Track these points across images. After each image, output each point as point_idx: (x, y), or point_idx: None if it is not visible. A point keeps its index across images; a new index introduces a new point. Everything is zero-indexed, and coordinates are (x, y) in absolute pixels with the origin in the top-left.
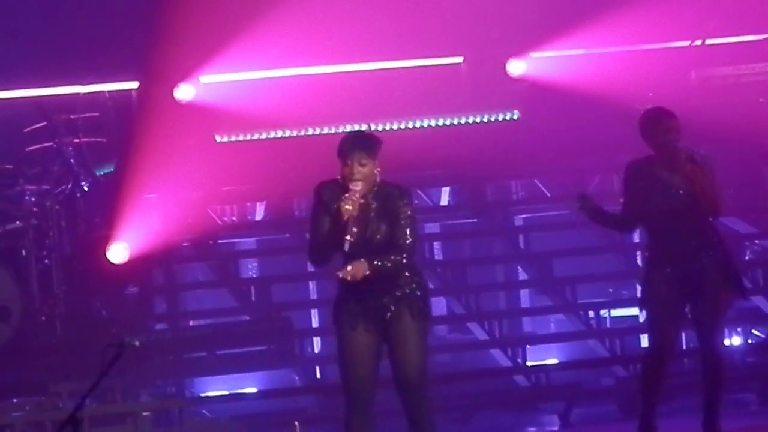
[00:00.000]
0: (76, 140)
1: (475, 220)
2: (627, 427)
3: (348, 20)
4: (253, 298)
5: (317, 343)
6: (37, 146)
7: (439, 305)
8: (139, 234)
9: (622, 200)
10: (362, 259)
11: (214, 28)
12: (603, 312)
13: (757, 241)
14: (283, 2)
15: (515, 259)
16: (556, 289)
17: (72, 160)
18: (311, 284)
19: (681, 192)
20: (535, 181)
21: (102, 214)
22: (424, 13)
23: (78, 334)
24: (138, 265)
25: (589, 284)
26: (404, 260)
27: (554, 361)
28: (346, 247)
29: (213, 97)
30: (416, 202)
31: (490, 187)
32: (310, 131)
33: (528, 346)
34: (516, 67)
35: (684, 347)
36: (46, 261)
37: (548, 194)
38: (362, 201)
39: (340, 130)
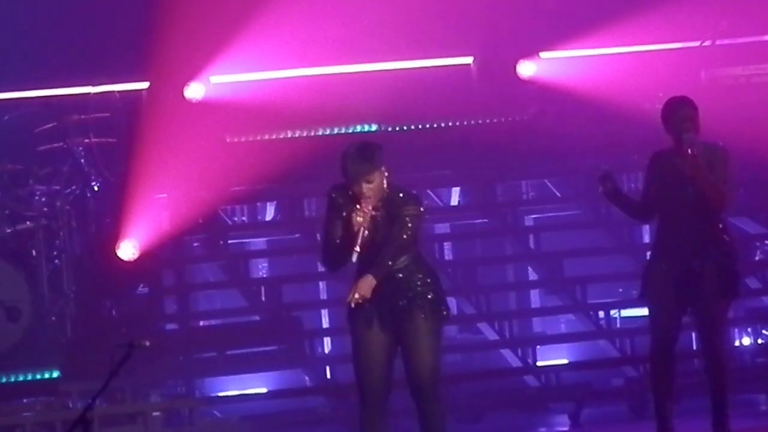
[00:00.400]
0: (87, 140)
1: (486, 220)
2: (637, 427)
3: (358, 21)
4: (263, 298)
5: (327, 343)
6: (48, 146)
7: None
8: (149, 234)
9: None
10: (367, 275)
11: (224, 28)
12: (613, 312)
13: (767, 242)
14: (294, 2)
15: (525, 260)
16: (567, 290)
17: (82, 161)
18: (321, 284)
19: (690, 183)
20: (546, 181)
21: (112, 214)
22: (434, 13)
23: (88, 334)
24: (148, 265)
25: (600, 284)
26: (404, 241)
27: (564, 361)
28: (354, 257)
29: (223, 97)
30: (426, 202)
31: (500, 187)
32: (321, 131)
33: (538, 347)
34: (526, 69)
35: (693, 347)
36: (57, 261)
37: (558, 194)
38: (374, 213)
39: (351, 131)
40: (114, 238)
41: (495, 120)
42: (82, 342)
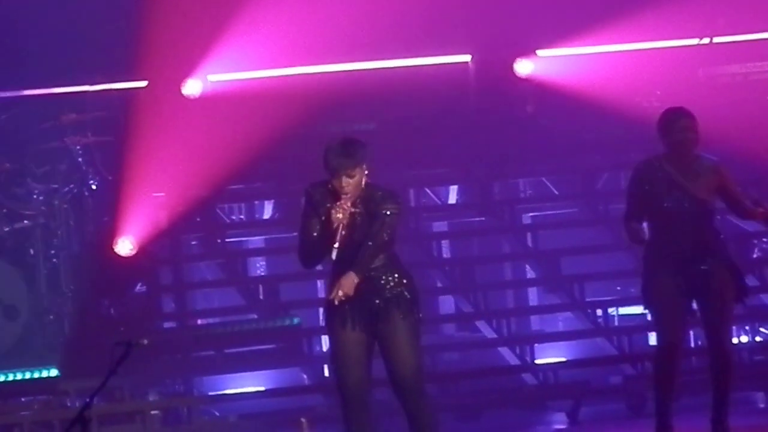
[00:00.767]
0: (84, 139)
1: (483, 218)
2: (635, 425)
3: (356, 18)
4: (261, 297)
5: (325, 341)
6: (46, 145)
7: (447, 303)
8: (147, 232)
9: (627, 198)
10: (349, 272)
11: (222, 25)
12: (611, 310)
13: (765, 239)
14: (290, 1)
15: (523, 258)
16: (564, 288)
17: (80, 159)
18: (319, 283)
19: (693, 195)
20: (543, 179)
21: (110, 213)
22: (431, 11)
23: (86, 332)
24: (146, 263)
25: (597, 282)
26: (384, 239)
27: (562, 359)
28: (334, 254)
29: (221, 94)
30: (424, 200)
31: (497, 185)
32: (318, 129)
33: (536, 345)
34: (524, 67)
35: (692, 345)
36: (55, 260)
37: (556, 192)
38: (353, 209)
39: (348, 129)
40: (112, 237)
41: (492, 118)
42: (80, 340)
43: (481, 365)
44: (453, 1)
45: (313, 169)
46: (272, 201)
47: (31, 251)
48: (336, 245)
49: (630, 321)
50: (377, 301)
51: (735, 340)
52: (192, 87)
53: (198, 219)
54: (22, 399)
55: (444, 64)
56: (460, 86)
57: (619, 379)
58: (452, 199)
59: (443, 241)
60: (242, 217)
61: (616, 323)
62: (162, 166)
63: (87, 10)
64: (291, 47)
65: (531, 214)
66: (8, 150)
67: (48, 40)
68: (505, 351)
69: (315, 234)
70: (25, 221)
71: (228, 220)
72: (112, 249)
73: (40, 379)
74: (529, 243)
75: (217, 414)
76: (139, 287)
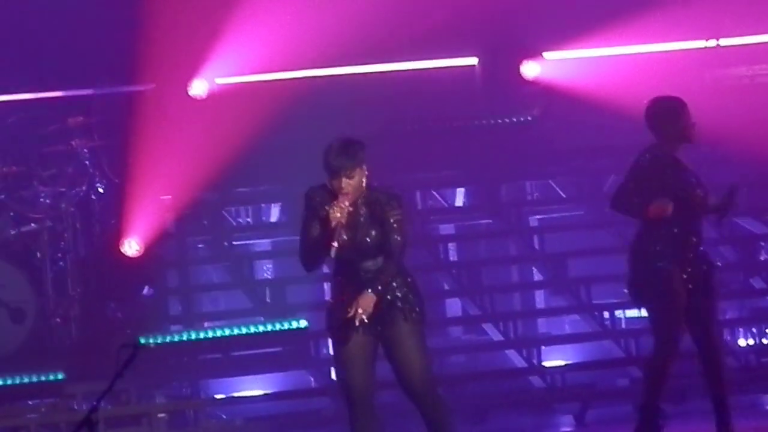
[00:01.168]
0: (92, 142)
1: (490, 221)
2: None
3: (362, 22)
4: (267, 300)
5: (332, 344)
6: (52, 148)
7: (454, 306)
8: (153, 235)
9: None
10: (367, 290)
11: (229, 28)
12: (618, 313)
13: None
14: (300, 3)
15: (530, 260)
16: (571, 290)
17: (87, 162)
18: (326, 286)
19: (698, 190)
20: (550, 182)
21: (117, 215)
22: (438, 14)
23: (93, 335)
24: (153, 266)
25: (604, 285)
26: (398, 261)
27: (569, 361)
28: (333, 253)
29: (227, 97)
30: (430, 202)
31: (504, 188)
32: (325, 132)
33: (543, 347)
34: (530, 69)
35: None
36: (61, 263)
37: (563, 195)
38: (351, 209)
39: (355, 132)
40: (118, 240)
41: (499, 121)
42: (86, 343)
43: (488, 368)
44: (460, 4)
45: (320, 171)
46: (279, 204)
47: (38, 254)
48: (335, 244)
49: (637, 323)
50: (381, 305)
51: (742, 343)
52: (198, 88)
53: (205, 222)
54: (29, 402)
55: (451, 66)
56: (467, 89)
57: (626, 382)
58: (459, 201)
59: (450, 244)
60: (249, 220)
61: (623, 326)
62: (169, 169)
63: (93, 14)
64: (298, 50)
65: (538, 216)
66: (15, 153)
67: (55, 44)
68: (512, 354)
69: (315, 236)
70: (32, 224)
71: (235, 223)
72: (119, 252)
73: (47, 381)
74: (536, 245)
75: (224, 417)
76: (146, 290)
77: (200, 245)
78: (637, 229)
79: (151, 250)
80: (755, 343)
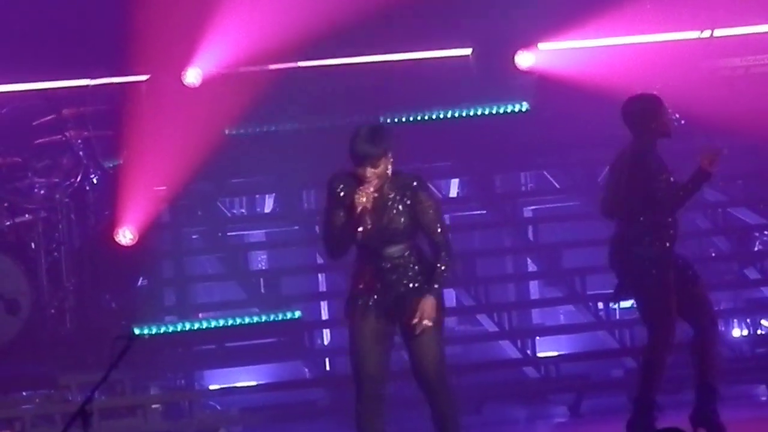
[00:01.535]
0: (86, 133)
1: (484, 211)
2: None
3: (357, 12)
4: (262, 291)
5: (327, 335)
6: (47, 139)
7: (448, 297)
8: (148, 226)
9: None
10: (427, 296)
11: (224, 16)
12: (612, 303)
13: (766, 232)
14: None
15: (524, 251)
16: (566, 281)
17: (81, 153)
18: (320, 276)
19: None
20: (544, 172)
21: (111, 206)
22: (432, 4)
23: (87, 326)
24: (147, 257)
25: (599, 275)
26: (450, 255)
27: (564, 352)
28: (359, 236)
29: (222, 87)
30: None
31: (499, 178)
32: (320, 123)
33: (537, 338)
34: (524, 59)
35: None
36: (56, 254)
37: (557, 186)
38: (376, 194)
39: (350, 122)
40: (113, 231)
41: (493, 111)
42: (81, 334)
43: (482, 359)
44: None
45: (315, 162)
46: (273, 195)
47: (33, 245)
48: (360, 229)
49: (631, 314)
50: (401, 290)
51: (737, 333)
52: (192, 76)
53: (199, 213)
54: (24, 393)
55: (445, 57)
56: (461, 79)
57: (620, 373)
58: (453, 192)
59: None
60: (243, 210)
61: (618, 316)
62: (163, 160)
63: (86, 4)
64: (291, 40)
65: (532, 207)
66: (9, 144)
67: (48, 34)
68: (506, 344)
69: (340, 224)
70: (27, 215)
71: (229, 214)
72: (114, 243)
73: (42, 372)
74: (531, 236)
75: (219, 408)
76: (140, 281)
77: (195, 236)
78: (616, 223)
79: (145, 241)
80: (749, 333)
